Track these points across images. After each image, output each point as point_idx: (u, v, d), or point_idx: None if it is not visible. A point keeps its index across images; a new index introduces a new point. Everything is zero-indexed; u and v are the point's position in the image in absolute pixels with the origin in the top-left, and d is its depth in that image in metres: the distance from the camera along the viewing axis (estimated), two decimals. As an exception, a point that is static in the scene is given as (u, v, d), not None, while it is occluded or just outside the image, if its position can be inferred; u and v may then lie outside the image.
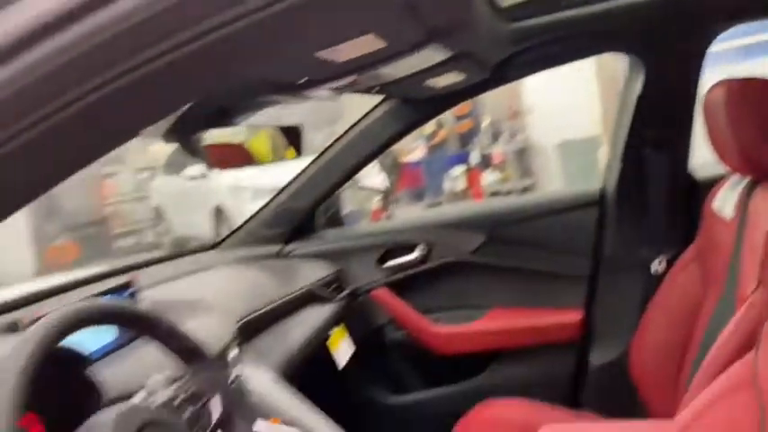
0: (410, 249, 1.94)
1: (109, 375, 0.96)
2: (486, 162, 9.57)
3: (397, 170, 9.54)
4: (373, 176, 7.56)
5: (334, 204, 2.14)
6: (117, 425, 0.73)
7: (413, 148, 9.97)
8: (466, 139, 9.99)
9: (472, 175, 9.59)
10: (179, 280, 1.61)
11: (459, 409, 1.60)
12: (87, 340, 0.99)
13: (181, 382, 0.90)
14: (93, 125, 0.59)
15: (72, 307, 0.76)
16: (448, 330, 1.89)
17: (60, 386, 0.86)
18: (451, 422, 1.57)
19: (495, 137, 9.61)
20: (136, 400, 0.85)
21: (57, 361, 0.85)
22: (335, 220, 2.12)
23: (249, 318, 1.44)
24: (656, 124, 1.63)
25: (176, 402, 0.86)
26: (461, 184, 9.65)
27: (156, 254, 2.45)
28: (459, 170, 9.70)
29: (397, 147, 9.57)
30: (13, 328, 1.03)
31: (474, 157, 9.68)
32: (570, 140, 7.93)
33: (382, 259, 1.96)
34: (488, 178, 9.48)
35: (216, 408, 0.92)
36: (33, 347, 0.69)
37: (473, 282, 1.91)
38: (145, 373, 0.95)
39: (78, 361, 0.92)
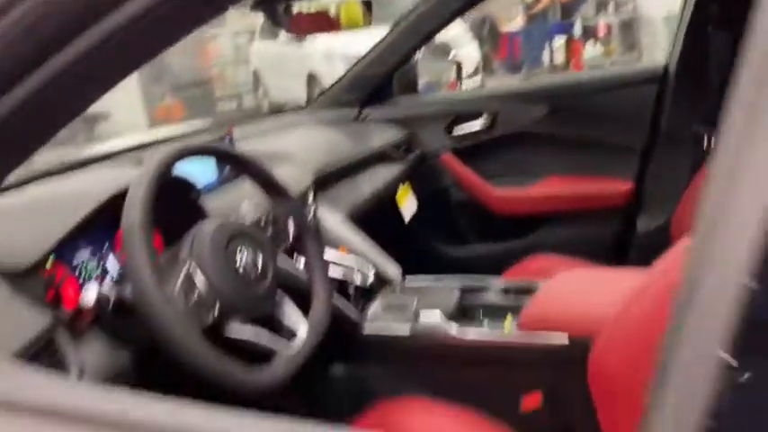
0: (476, 118, 2.10)
1: (212, 204, 1.24)
2: (589, 34, 9.10)
3: (494, 40, 9.28)
4: (465, 46, 7.46)
5: (410, 72, 2.29)
6: (215, 232, 0.99)
7: (512, 17, 9.59)
8: (569, 8, 9.46)
9: (573, 47, 9.16)
10: (269, 135, 1.86)
11: (511, 260, 1.81)
12: (196, 177, 1.26)
13: (266, 210, 1.16)
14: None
15: (181, 144, 1.01)
16: (506, 193, 2.08)
17: (175, 208, 1.13)
18: (502, 271, 1.79)
19: (601, 7, 9.06)
20: (231, 218, 1.11)
21: (173, 188, 1.12)
22: (410, 88, 2.28)
23: (325, 170, 1.68)
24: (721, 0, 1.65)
25: (261, 223, 1.13)
26: (561, 57, 9.29)
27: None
28: (559, 41, 9.30)
29: (495, 15, 9.22)
30: (139, 161, 1.32)
31: (576, 28, 9.22)
32: (680, 12, 7.38)
33: (450, 126, 2.13)
34: (590, 51, 9.06)
35: (293, 232, 1.18)
36: (153, 173, 0.94)
37: (532, 151, 2.06)
38: (239, 204, 1.22)
39: (189, 189, 1.20)
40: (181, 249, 0.98)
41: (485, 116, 2.08)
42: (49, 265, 0.97)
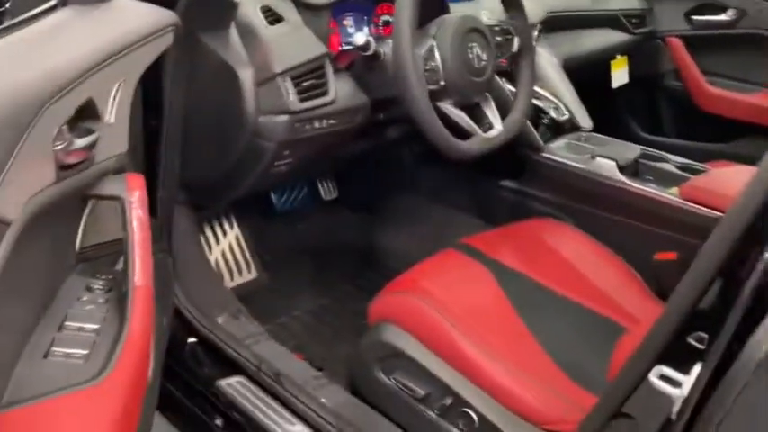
0: (721, 11, 2.05)
1: (458, 8, 1.45)
2: None
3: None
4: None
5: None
6: (459, 21, 1.21)
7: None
8: None
9: None
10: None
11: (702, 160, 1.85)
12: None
13: (501, 22, 1.36)
14: None
15: None
16: (721, 93, 2.07)
17: (431, 2, 1.34)
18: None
19: None
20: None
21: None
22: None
23: (557, 13, 1.80)
24: None
25: (495, 28, 1.32)
26: None
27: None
28: None
29: None
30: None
31: None
32: None
33: (691, 12, 2.11)
34: None
35: (516, 47, 1.36)
36: None
37: (764, 59, 2.00)
38: (480, 13, 1.42)
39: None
40: (429, 28, 1.21)
41: (731, 11, 2.02)
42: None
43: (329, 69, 1.23)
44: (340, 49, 1.34)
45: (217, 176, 1.31)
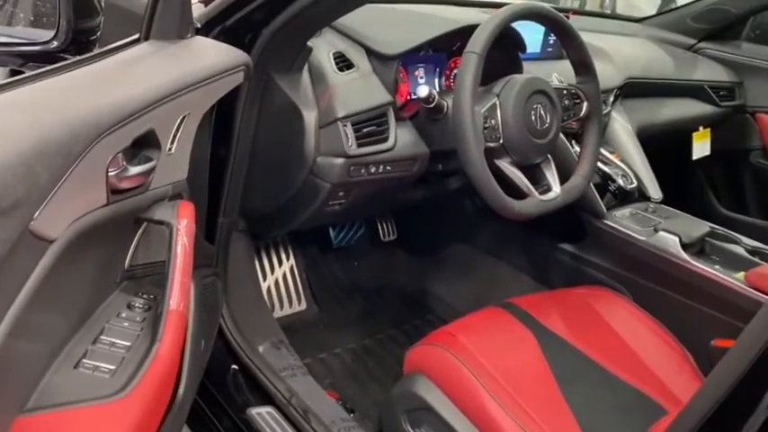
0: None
1: (528, 68, 1.46)
2: None
3: None
4: None
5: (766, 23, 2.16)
6: (525, 82, 1.22)
7: None
8: None
9: None
10: (600, 34, 1.97)
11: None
12: (525, 40, 1.47)
13: (570, 86, 1.35)
14: None
15: (530, 3, 1.22)
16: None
17: (501, 55, 1.36)
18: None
19: None
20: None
21: (507, 36, 1.35)
22: (761, 38, 2.16)
23: (635, 80, 1.77)
24: None
25: (563, 91, 1.32)
26: None
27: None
28: None
29: None
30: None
31: None
32: None
33: (785, 90, 2.02)
34: None
35: (584, 112, 1.35)
36: (502, 17, 1.18)
37: None
38: (550, 76, 1.41)
39: (518, 43, 1.42)
40: (495, 86, 1.22)
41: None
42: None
43: (391, 117, 1.26)
44: (408, 98, 1.37)
45: (274, 209, 1.35)
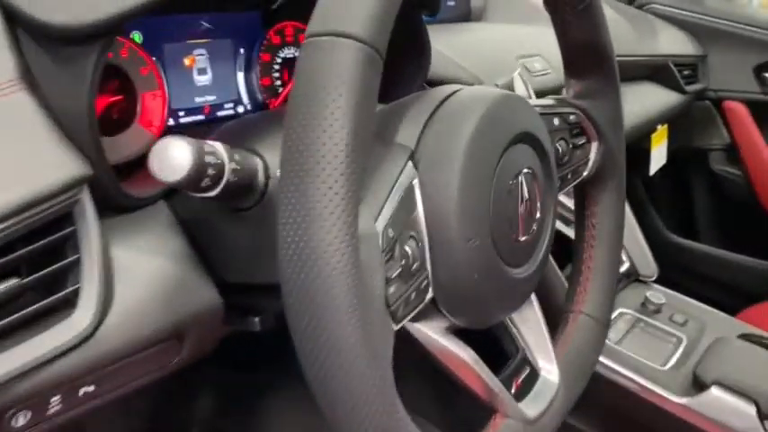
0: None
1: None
2: None
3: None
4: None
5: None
6: (490, 115, 0.41)
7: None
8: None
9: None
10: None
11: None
12: None
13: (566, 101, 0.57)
14: None
15: None
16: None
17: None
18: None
19: None
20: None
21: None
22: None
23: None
24: None
25: (553, 118, 0.54)
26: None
27: None
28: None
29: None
30: None
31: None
32: None
33: (763, 67, 1.40)
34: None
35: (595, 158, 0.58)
36: None
37: None
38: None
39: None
40: (404, 136, 0.40)
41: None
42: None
43: (87, 218, 0.41)
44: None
45: None
